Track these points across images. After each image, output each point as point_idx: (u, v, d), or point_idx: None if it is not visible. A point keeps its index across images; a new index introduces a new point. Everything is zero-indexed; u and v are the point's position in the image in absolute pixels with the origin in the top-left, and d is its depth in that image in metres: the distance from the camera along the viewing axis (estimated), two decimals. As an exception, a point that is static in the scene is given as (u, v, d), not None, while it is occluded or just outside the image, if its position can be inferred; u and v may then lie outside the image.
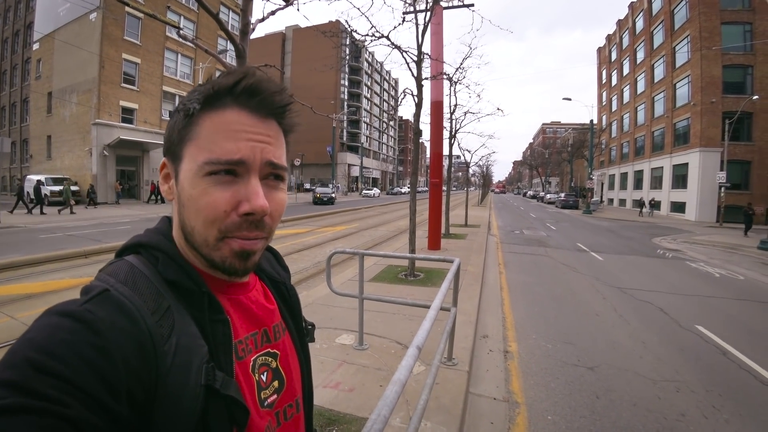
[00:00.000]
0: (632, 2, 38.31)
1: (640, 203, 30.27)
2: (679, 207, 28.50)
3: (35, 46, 29.33)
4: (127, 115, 24.83)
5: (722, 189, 22.99)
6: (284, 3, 2.86)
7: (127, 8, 22.89)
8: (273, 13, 2.75)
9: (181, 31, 2.91)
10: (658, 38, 32.87)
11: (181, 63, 28.43)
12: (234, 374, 0.55)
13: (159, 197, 24.38)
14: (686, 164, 27.80)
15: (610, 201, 43.96)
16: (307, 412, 0.71)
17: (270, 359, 0.64)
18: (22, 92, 32.41)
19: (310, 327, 0.79)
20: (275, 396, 0.63)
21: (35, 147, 29.69)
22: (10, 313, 4.97)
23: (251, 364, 0.60)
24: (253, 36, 2.75)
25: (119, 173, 24.60)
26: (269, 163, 0.56)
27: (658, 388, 3.64)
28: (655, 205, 29.46)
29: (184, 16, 27.84)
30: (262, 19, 2.69)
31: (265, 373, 0.62)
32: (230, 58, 23.96)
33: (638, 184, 36.48)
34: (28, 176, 24.14)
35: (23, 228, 12.69)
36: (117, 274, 0.52)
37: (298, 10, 4.24)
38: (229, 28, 2.83)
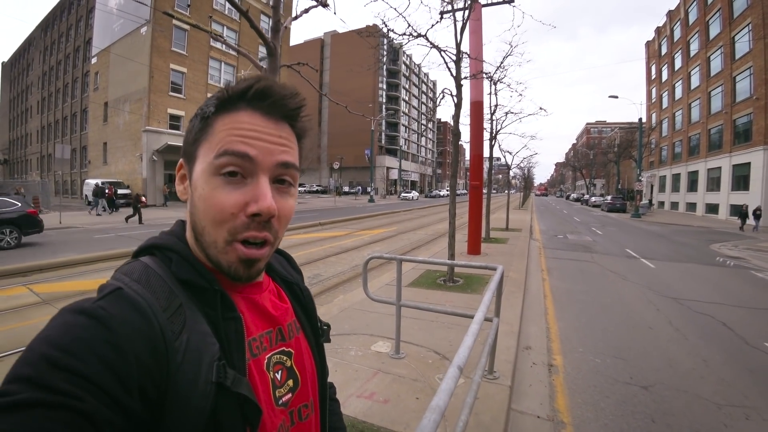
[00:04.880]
0: (685, -8, 36.08)
1: (742, 214, 21.61)
2: (739, 211, 26.39)
3: (93, 60, 31.70)
4: (174, 122, 26.26)
5: (791, 191, 21.02)
6: (317, 2, 2.82)
7: (174, 21, 24.14)
8: (306, 11, 2.73)
9: (224, 38, 2.94)
10: (715, 28, 30.63)
11: (224, 71, 29.71)
12: (247, 372, 0.55)
13: (114, 208, 20.37)
14: (748, 164, 25.67)
15: (661, 204, 41.46)
16: (322, 414, 0.71)
17: (285, 358, 0.64)
18: (81, 103, 35.00)
19: (325, 327, 0.79)
20: (290, 395, 0.63)
21: (93, 153, 32.05)
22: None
23: (266, 361, 0.60)
24: (292, 42, 2.76)
25: (167, 177, 25.90)
26: (280, 163, 0.57)
27: (723, 414, 3.27)
28: (761, 215, 21.16)
29: (226, 26, 29.15)
30: (296, 17, 2.67)
31: (280, 372, 0.62)
32: (270, 65, 24.70)
33: (693, 186, 34.13)
34: (87, 180, 25.95)
35: (81, 228, 13.59)
36: (131, 273, 0.53)
37: (335, 13, 4.23)
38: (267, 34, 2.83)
